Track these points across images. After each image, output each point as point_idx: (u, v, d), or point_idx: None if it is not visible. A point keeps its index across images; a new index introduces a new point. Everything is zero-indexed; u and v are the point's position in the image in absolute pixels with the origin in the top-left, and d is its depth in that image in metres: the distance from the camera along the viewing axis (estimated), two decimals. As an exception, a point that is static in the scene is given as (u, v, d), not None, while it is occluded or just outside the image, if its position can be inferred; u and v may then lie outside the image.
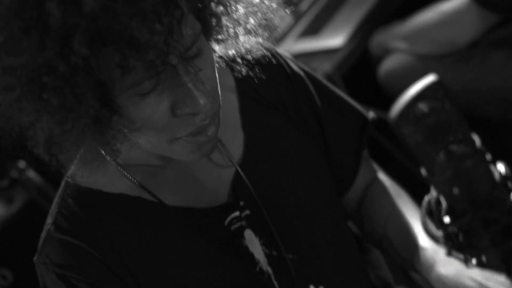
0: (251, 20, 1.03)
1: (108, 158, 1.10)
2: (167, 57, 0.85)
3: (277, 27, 1.06)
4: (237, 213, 1.15)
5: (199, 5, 0.96)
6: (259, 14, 1.03)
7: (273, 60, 1.25)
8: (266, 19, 1.04)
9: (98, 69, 0.83)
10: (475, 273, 1.08)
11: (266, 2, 1.03)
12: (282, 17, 2.70)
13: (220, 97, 1.00)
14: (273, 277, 1.16)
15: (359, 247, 1.39)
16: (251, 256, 1.14)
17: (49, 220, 1.10)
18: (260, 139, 1.22)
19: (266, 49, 1.25)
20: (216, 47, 1.07)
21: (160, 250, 1.10)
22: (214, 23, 1.00)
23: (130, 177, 1.10)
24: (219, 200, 1.15)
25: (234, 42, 1.06)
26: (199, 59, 0.94)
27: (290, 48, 2.55)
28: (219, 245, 1.12)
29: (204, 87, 0.92)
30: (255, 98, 1.23)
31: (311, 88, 1.29)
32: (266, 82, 1.22)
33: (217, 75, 0.99)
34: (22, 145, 0.93)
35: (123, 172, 1.10)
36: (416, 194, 1.33)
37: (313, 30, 2.59)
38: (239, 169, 1.17)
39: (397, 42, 2.31)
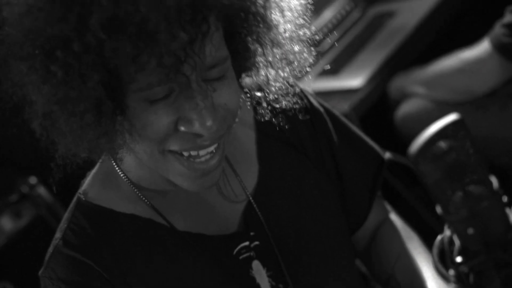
0: (286, 68, 1.04)
1: (122, 175, 1.10)
2: (181, 65, 0.85)
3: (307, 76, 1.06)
4: (246, 243, 1.15)
5: (236, 36, 0.96)
6: (296, 64, 1.04)
7: (294, 98, 1.25)
8: (301, 71, 1.05)
9: (110, 55, 0.83)
10: None
11: (305, 54, 1.04)
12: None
13: (230, 126, 1.00)
14: None
15: (366, 286, 1.38)
16: (257, 287, 1.14)
17: (58, 234, 1.10)
18: (274, 172, 1.22)
19: (288, 83, 1.25)
20: (244, 82, 1.08)
21: (166, 274, 1.10)
22: (247, 59, 1.00)
23: (143, 198, 1.10)
24: (230, 229, 1.16)
25: (264, 86, 1.07)
26: (220, 83, 0.94)
27: (309, 85, 2.56)
28: (226, 273, 1.12)
29: (215, 110, 0.93)
30: (273, 133, 1.23)
31: (330, 124, 1.29)
32: (284, 117, 1.22)
33: (239, 105, 0.99)
34: (36, 152, 0.94)
35: (136, 192, 1.10)
36: (426, 237, 1.32)
37: (333, 69, 2.61)
38: (251, 199, 1.17)
39: (416, 87, 2.32)
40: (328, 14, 2.83)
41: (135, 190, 1.10)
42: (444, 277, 1.01)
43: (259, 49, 0.99)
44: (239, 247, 1.14)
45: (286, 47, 1.01)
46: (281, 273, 1.16)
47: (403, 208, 1.66)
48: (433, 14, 2.57)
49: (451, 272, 1.01)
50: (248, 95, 1.12)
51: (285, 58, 1.03)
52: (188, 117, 0.91)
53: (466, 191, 0.95)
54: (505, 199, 0.97)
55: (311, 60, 1.05)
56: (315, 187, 1.25)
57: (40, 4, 0.83)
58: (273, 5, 0.97)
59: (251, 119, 1.24)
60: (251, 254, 1.15)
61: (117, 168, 1.11)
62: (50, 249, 1.09)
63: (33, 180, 2.68)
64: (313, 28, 1.05)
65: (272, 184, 1.21)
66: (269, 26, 0.96)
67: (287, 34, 1.01)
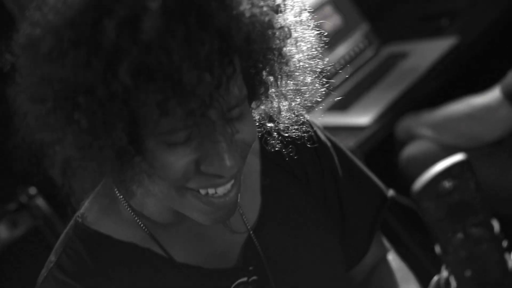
0: (298, 99, 1.03)
1: (123, 201, 1.09)
2: (207, 110, 0.84)
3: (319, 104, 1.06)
4: (244, 279, 1.14)
5: (251, 70, 0.96)
6: (307, 95, 1.04)
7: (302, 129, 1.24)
8: (312, 102, 1.04)
9: (136, 103, 0.82)
10: None
11: (317, 85, 1.04)
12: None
13: (246, 157, 1.00)
14: None
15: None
16: None
17: (53, 257, 1.08)
18: (277, 206, 1.21)
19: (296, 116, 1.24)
20: (256, 114, 1.07)
21: None
22: (261, 92, 1.00)
23: (143, 227, 1.09)
24: (228, 263, 1.14)
25: (275, 116, 1.06)
26: (239, 122, 0.93)
27: (317, 119, 2.56)
28: None
29: (236, 151, 0.92)
30: (278, 164, 1.23)
31: (336, 159, 1.29)
32: (291, 148, 1.21)
33: (256, 137, 0.99)
34: (37, 165, 0.93)
35: (137, 220, 1.09)
36: (423, 278, 1.31)
37: (342, 105, 2.61)
38: (252, 234, 1.16)
39: (423, 129, 2.32)
40: (342, 50, 2.84)
41: (136, 218, 1.09)
42: (439, 319, 1.00)
43: (273, 80, 0.99)
44: (237, 282, 1.13)
45: (299, 78, 1.01)
46: None
47: (402, 247, 1.65)
48: (446, 58, 2.58)
49: (446, 313, 1.00)
50: (258, 124, 1.11)
51: (298, 89, 1.02)
52: (209, 158, 0.91)
53: (466, 232, 0.95)
54: (505, 243, 0.97)
55: (322, 91, 1.04)
56: (316, 222, 1.24)
57: (63, 47, 0.82)
58: (289, 36, 0.97)
59: (257, 146, 1.23)
60: None
61: (118, 194, 1.10)
62: (44, 272, 1.08)
63: (32, 190, 2.67)
64: (326, 59, 1.04)
65: (273, 217, 1.20)
66: (284, 58, 0.96)
67: (300, 65, 1.00)
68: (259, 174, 1.22)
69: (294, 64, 0.99)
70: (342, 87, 2.76)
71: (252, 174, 1.21)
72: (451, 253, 0.96)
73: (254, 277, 1.14)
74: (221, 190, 0.97)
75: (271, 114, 1.06)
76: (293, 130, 1.09)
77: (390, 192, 1.35)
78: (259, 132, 1.09)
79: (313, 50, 1.02)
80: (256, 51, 0.90)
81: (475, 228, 0.95)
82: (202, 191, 0.96)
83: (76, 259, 1.06)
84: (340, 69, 2.81)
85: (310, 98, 1.05)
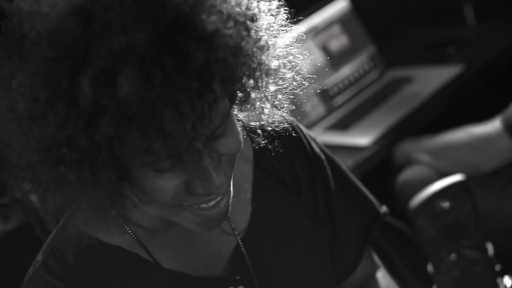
0: (279, 96, 1.02)
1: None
2: (192, 143, 0.83)
3: (304, 101, 1.06)
4: None
5: (233, 86, 0.94)
6: (288, 90, 1.02)
7: (296, 138, 1.24)
8: (294, 95, 1.04)
9: (120, 149, 0.80)
10: None
11: (298, 78, 1.02)
12: (315, 107, 2.73)
13: (234, 165, 0.99)
14: None
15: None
16: None
17: (40, 257, 1.08)
18: (267, 216, 1.20)
19: (291, 125, 1.24)
20: (240, 115, 1.06)
21: None
22: (242, 97, 0.98)
23: (130, 233, 1.08)
24: (216, 271, 1.14)
25: (258, 115, 1.05)
26: (224, 136, 0.93)
27: (316, 137, 2.57)
28: None
29: (223, 167, 0.92)
30: (271, 173, 1.22)
31: (329, 172, 1.28)
32: (284, 158, 1.22)
33: (241, 144, 0.98)
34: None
35: (124, 226, 1.08)
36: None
37: (343, 125, 2.62)
38: (240, 242, 1.16)
39: (421, 155, 2.32)
40: (346, 70, 2.85)
41: (123, 223, 1.08)
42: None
43: (253, 84, 0.96)
44: None
45: (278, 76, 1.00)
46: None
47: (392, 267, 1.65)
48: (450, 86, 2.60)
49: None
50: (242, 125, 1.10)
51: (279, 88, 1.01)
52: (197, 179, 0.90)
53: (460, 253, 0.95)
54: (498, 267, 0.97)
55: (304, 84, 1.04)
56: (306, 233, 1.24)
57: (40, 107, 0.80)
58: (267, 48, 0.95)
59: (251, 154, 1.22)
60: None
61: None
62: (30, 271, 1.07)
63: (27, 186, 2.66)
64: (304, 52, 1.04)
65: (263, 227, 1.19)
66: (263, 65, 0.95)
67: (279, 63, 0.99)
68: (251, 182, 1.21)
69: (273, 65, 0.97)
70: (344, 107, 2.77)
71: (244, 183, 1.20)
72: (444, 273, 0.96)
73: (241, 287, 1.13)
74: (212, 202, 0.96)
75: (253, 116, 1.06)
76: (277, 125, 1.09)
77: (383, 208, 1.35)
78: (244, 133, 1.08)
79: (291, 46, 1.01)
80: (235, 69, 0.89)
81: (469, 250, 0.95)
82: (194, 205, 0.96)
83: (62, 260, 1.06)
84: (343, 89, 2.82)
85: (293, 93, 1.04)
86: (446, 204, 0.94)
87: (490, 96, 2.66)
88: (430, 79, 2.68)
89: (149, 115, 0.77)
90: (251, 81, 0.94)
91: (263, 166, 1.22)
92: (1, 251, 2.60)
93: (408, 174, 2.35)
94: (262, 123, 1.07)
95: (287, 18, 0.99)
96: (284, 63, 0.99)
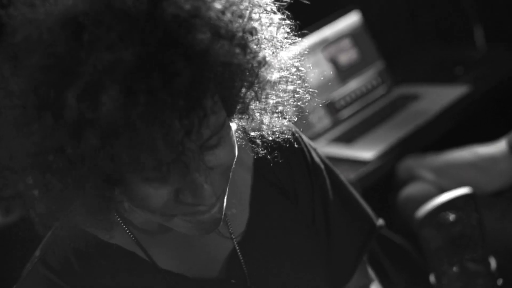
0: (280, 108, 1.02)
1: None
2: (180, 157, 0.82)
3: (307, 113, 1.05)
4: None
5: (229, 98, 0.94)
6: (290, 102, 1.02)
7: (296, 147, 1.24)
8: (296, 107, 1.04)
9: (106, 159, 0.80)
10: None
11: (300, 91, 1.02)
12: (320, 118, 2.74)
13: (229, 176, 0.99)
14: None
15: None
16: None
17: (38, 253, 1.08)
18: (264, 222, 1.20)
19: (292, 134, 1.23)
20: (240, 123, 1.05)
21: None
22: (240, 108, 0.98)
23: (128, 232, 1.08)
24: (211, 274, 1.14)
25: (258, 125, 1.05)
26: (217, 148, 0.92)
27: (320, 148, 2.57)
28: None
29: (214, 182, 0.92)
30: (270, 180, 1.22)
31: (328, 182, 1.29)
32: (284, 167, 1.22)
33: (235, 157, 0.98)
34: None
35: (123, 225, 1.08)
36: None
37: (348, 138, 2.63)
38: (236, 246, 1.16)
39: (425, 172, 2.33)
40: (354, 84, 2.86)
41: (121, 222, 1.08)
42: None
43: (253, 96, 0.96)
44: None
45: (279, 89, 0.99)
46: None
47: (387, 281, 1.65)
48: (457, 105, 2.61)
49: None
50: (242, 133, 1.10)
51: (279, 101, 1.01)
52: (187, 189, 0.90)
53: (463, 266, 0.95)
54: (500, 281, 0.97)
55: (306, 97, 1.04)
56: (302, 241, 1.24)
57: (27, 114, 0.81)
58: (264, 64, 0.94)
59: (250, 161, 1.22)
60: None
61: None
62: (29, 266, 1.07)
63: (30, 180, 2.67)
64: (308, 65, 1.03)
65: (260, 233, 1.19)
66: (262, 78, 0.94)
67: (280, 75, 0.98)
68: (249, 188, 1.21)
69: (273, 78, 0.96)
70: (350, 120, 2.79)
71: (242, 188, 1.21)
72: (446, 285, 0.96)
73: None
74: (203, 208, 0.96)
75: (252, 126, 1.06)
76: (277, 135, 1.08)
77: (380, 221, 1.35)
78: (242, 142, 1.08)
79: (295, 59, 1.01)
80: (229, 84, 0.89)
81: (472, 263, 0.95)
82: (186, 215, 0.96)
83: (61, 256, 1.06)
84: (350, 103, 2.83)
85: (294, 105, 1.04)
86: (452, 216, 0.94)
87: (496, 117, 2.67)
88: (437, 97, 2.69)
89: (134, 131, 0.77)
90: (251, 93, 0.94)
91: (262, 173, 1.22)
92: (3, 244, 2.60)
93: (411, 190, 2.36)
94: (262, 133, 1.07)
95: (291, 31, 0.98)
96: (286, 76, 0.99)
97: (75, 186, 0.83)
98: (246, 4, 0.89)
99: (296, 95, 1.02)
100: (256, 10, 0.91)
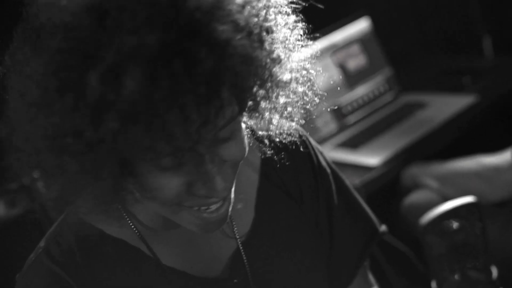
0: (289, 109, 1.03)
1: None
2: (195, 146, 0.84)
3: (314, 117, 1.06)
4: None
5: (243, 94, 0.94)
6: (299, 104, 1.03)
7: (303, 149, 1.25)
8: (304, 109, 1.05)
9: (124, 144, 0.81)
10: None
11: (310, 94, 1.03)
12: (327, 123, 2.74)
13: (236, 172, 1.00)
14: None
15: None
16: None
17: (43, 244, 1.09)
18: (269, 223, 1.21)
19: (299, 135, 1.25)
20: (249, 122, 1.07)
21: None
22: (251, 105, 0.99)
23: (133, 228, 1.09)
24: (214, 272, 1.15)
25: (266, 125, 1.06)
26: (229, 141, 0.93)
27: (326, 153, 2.58)
28: None
29: (226, 172, 0.94)
30: (276, 182, 1.23)
31: (333, 186, 1.29)
32: (290, 169, 1.22)
33: (246, 152, 0.99)
34: None
35: (128, 221, 1.09)
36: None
37: (353, 144, 2.64)
38: (240, 246, 1.17)
39: (429, 180, 2.33)
40: (362, 89, 2.87)
41: (126, 217, 1.09)
42: None
43: (264, 93, 0.96)
44: None
45: (290, 89, 1.00)
46: None
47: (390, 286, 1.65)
48: (463, 114, 2.62)
49: None
50: (250, 132, 1.11)
51: (289, 101, 1.02)
52: (199, 181, 0.91)
53: (464, 274, 0.96)
54: (501, 291, 0.98)
55: (316, 100, 1.05)
56: (305, 244, 1.25)
57: (48, 96, 0.82)
58: (279, 61, 0.95)
59: (258, 161, 1.23)
60: None
61: None
62: (32, 257, 1.08)
63: (36, 174, 2.68)
64: (318, 69, 1.05)
65: (264, 234, 1.20)
66: (274, 76, 0.95)
67: (292, 76, 0.99)
68: (256, 189, 1.22)
69: (285, 78, 0.98)
70: (356, 126, 2.80)
71: (249, 189, 1.21)
72: (446, 291, 0.97)
73: None
74: (213, 206, 0.98)
75: (261, 126, 1.07)
76: (285, 136, 1.09)
77: (383, 227, 1.36)
78: (250, 141, 1.08)
79: (305, 61, 1.02)
80: (245, 78, 0.89)
81: (473, 271, 0.96)
82: (195, 207, 0.97)
83: (65, 249, 1.07)
84: (357, 108, 2.84)
85: (303, 107, 1.05)
86: (456, 224, 0.95)
87: (502, 128, 2.67)
88: (444, 106, 2.70)
89: (154, 115, 0.78)
90: (262, 91, 0.94)
91: (268, 174, 1.23)
92: (5, 235, 2.61)
93: (415, 197, 2.36)
94: (270, 133, 1.08)
95: (304, 33, 1.00)
96: (297, 77, 1.00)
97: (91, 170, 0.84)
98: (263, 3, 0.91)
99: (305, 98, 1.03)
100: (272, 10, 0.93)
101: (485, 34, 3.05)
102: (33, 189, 2.66)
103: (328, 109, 2.69)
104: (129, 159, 0.86)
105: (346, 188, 1.34)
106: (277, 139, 1.10)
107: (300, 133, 1.26)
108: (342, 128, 2.79)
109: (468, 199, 0.96)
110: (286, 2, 0.97)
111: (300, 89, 1.01)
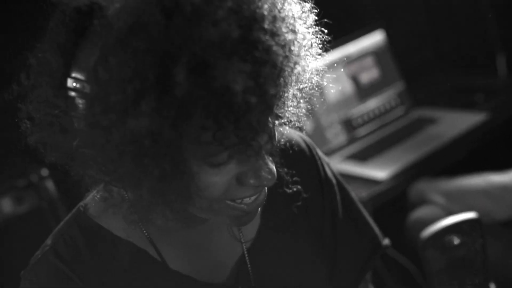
0: (298, 117, 1.05)
1: (128, 204, 1.09)
2: (257, 135, 0.87)
3: (310, 116, 1.08)
4: None
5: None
6: (301, 106, 1.04)
7: (310, 159, 1.27)
8: (306, 111, 1.05)
9: (197, 140, 0.84)
10: None
11: (317, 105, 1.05)
12: (337, 135, 2.74)
13: None
14: None
15: None
16: None
17: (49, 241, 1.09)
18: (274, 231, 1.22)
19: (307, 146, 1.27)
20: None
21: None
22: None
23: (143, 229, 1.10)
24: (220, 278, 1.15)
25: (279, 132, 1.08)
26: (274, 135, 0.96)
27: (334, 164, 2.59)
28: None
29: (271, 160, 0.95)
30: (282, 190, 1.23)
31: (338, 197, 1.30)
32: (296, 178, 1.23)
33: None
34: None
35: (138, 223, 1.08)
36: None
37: (362, 156, 2.64)
38: (245, 251, 1.17)
39: (436, 196, 2.33)
40: (373, 102, 2.88)
41: (137, 220, 1.08)
42: None
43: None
44: None
45: (301, 96, 1.02)
46: None
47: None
48: (474, 132, 2.62)
49: None
50: None
51: (299, 109, 1.04)
52: (250, 171, 0.94)
53: (463, 290, 0.96)
54: (499, 308, 0.98)
55: (317, 102, 1.06)
56: (309, 252, 1.25)
57: (128, 99, 0.82)
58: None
59: None
60: None
61: (126, 195, 1.07)
62: (39, 253, 1.08)
63: (44, 172, 2.69)
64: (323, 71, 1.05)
65: (268, 241, 1.21)
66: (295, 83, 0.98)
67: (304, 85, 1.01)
68: None
69: (301, 87, 1.00)
70: (366, 138, 2.80)
71: None
72: (445, 307, 0.97)
73: None
74: (253, 196, 1.00)
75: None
76: (292, 145, 1.14)
77: (386, 241, 1.36)
78: None
79: (316, 73, 1.03)
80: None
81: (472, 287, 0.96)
82: (238, 200, 0.99)
83: (72, 247, 1.07)
84: (367, 121, 2.84)
85: (303, 110, 1.05)
86: (456, 239, 0.95)
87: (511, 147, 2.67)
88: (455, 123, 2.70)
89: (237, 106, 0.81)
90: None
91: (276, 182, 1.23)
92: (12, 231, 2.62)
93: (421, 213, 2.36)
94: (278, 141, 1.08)
95: (321, 45, 1.00)
96: (308, 86, 1.01)
97: (170, 172, 0.86)
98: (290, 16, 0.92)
99: (311, 107, 1.05)
100: (297, 23, 0.94)
101: (500, 53, 3.04)
102: (41, 187, 2.67)
103: (339, 120, 2.69)
104: (187, 159, 0.87)
105: (351, 200, 1.34)
106: (284, 148, 1.11)
107: (307, 143, 1.26)
108: (351, 140, 2.79)
109: (470, 215, 0.96)
110: (307, 15, 0.98)
111: (307, 99, 1.03)
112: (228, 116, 0.81)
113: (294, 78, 0.94)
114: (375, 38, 2.92)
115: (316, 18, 0.98)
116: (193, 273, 1.12)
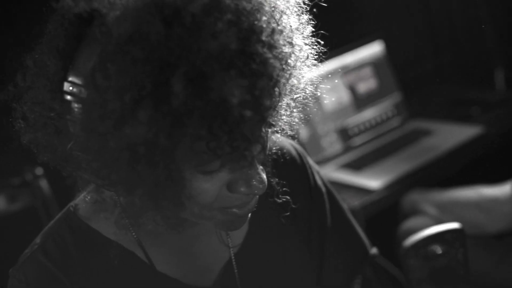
0: (289, 126, 1.05)
1: (119, 207, 1.09)
2: (251, 145, 0.88)
3: (303, 125, 1.08)
4: None
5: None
6: (295, 115, 1.04)
7: (300, 167, 1.27)
8: (299, 119, 1.05)
9: (193, 149, 0.85)
10: None
11: (310, 114, 1.05)
12: (332, 143, 2.75)
13: None
14: None
15: None
16: None
17: (38, 240, 1.09)
18: (261, 237, 1.22)
19: (297, 153, 1.27)
20: None
21: None
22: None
23: (132, 232, 1.10)
24: (206, 282, 1.15)
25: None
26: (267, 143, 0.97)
27: (329, 173, 2.59)
28: None
29: (263, 169, 0.96)
30: (270, 198, 1.22)
31: (327, 206, 1.30)
32: (286, 185, 1.22)
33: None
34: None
35: (128, 225, 1.09)
36: None
37: (357, 166, 2.65)
38: (233, 257, 1.18)
39: (429, 207, 2.33)
40: (369, 113, 2.88)
41: (127, 222, 1.09)
42: None
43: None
44: None
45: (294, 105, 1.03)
46: None
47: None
48: (469, 145, 2.63)
49: None
50: None
51: (291, 118, 1.04)
52: (241, 179, 0.94)
53: (444, 300, 0.96)
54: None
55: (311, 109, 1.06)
56: (296, 259, 1.25)
57: (125, 108, 0.82)
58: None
59: None
60: None
61: (116, 198, 1.08)
62: (27, 252, 1.08)
63: (39, 171, 2.69)
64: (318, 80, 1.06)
65: (255, 247, 1.21)
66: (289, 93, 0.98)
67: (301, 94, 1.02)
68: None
69: (295, 97, 1.01)
70: (361, 148, 2.80)
71: None
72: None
73: None
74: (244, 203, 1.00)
75: None
76: (283, 153, 1.14)
77: (373, 250, 1.36)
78: None
79: (311, 83, 1.03)
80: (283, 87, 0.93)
81: (453, 298, 0.96)
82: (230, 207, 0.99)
83: (61, 247, 1.07)
84: (363, 131, 2.84)
85: (296, 119, 1.05)
86: (438, 249, 0.95)
87: (505, 160, 2.67)
88: (450, 135, 2.71)
89: (232, 117, 0.81)
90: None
91: (267, 191, 1.24)
92: (5, 230, 2.62)
93: (412, 223, 2.35)
94: (269, 149, 1.08)
95: (318, 56, 1.01)
96: (302, 96, 1.02)
97: (165, 178, 0.86)
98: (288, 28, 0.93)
99: (304, 116, 1.05)
100: (295, 35, 0.95)
101: (498, 67, 3.05)
102: (35, 185, 2.67)
103: (335, 129, 2.70)
104: (180, 167, 0.88)
105: (340, 208, 1.34)
106: (275, 156, 1.11)
107: (298, 151, 1.27)
108: (347, 149, 2.79)
109: (453, 225, 0.96)
110: (305, 25, 0.99)
111: (300, 108, 1.03)
112: (223, 127, 0.82)
113: (288, 88, 0.94)
114: (374, 49, 2.93)
115: (314, 29, 0.99)
116: (180, 277, 1.13)
